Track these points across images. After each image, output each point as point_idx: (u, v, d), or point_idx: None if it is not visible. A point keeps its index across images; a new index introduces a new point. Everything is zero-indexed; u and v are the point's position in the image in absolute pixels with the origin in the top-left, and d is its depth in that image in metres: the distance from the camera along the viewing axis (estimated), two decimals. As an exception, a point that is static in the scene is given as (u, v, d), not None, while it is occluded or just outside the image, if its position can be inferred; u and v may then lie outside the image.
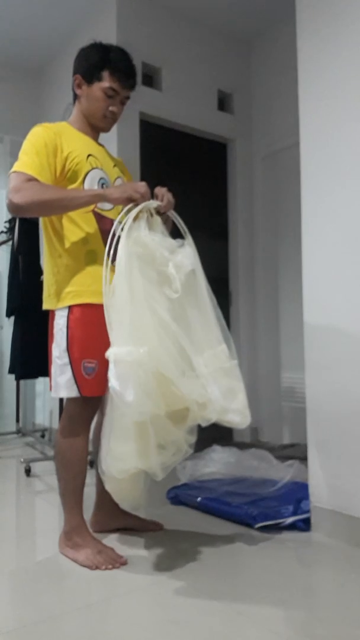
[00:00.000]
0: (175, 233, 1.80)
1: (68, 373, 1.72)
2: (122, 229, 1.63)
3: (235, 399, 1.60)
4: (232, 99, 3.79)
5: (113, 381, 1.48)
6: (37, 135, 1.74)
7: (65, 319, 1.74)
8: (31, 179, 1.64)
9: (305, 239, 2.11)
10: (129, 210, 1.67)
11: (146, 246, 1.62)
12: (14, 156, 4.01)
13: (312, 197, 2.09)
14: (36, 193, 1.62)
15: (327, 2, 2.04)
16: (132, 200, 1.68)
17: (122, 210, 1.70)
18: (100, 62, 1.81)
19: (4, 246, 3.84)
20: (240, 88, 3.82)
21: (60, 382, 1.74)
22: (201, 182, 4.87)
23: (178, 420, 1.56)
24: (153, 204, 1.72)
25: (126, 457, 1.54)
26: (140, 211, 1.67)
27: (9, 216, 3.87)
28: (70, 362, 1.72)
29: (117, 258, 1.59)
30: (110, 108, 1.85)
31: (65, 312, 1.75)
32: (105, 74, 1.81)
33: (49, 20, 3.57)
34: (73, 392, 1.73)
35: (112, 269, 1.61)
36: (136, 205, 1.68)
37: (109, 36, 3.23)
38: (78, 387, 1.71)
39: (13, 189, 1.62)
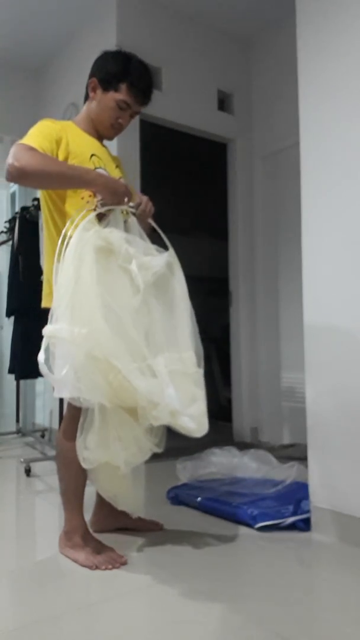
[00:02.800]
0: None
1: None
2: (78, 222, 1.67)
3: (193, 405, 1.59)
4: (232, 99, 3.79)
5: (41, 355, 1.54)
6: (44, 125, 1.78)
7: None
8: (34, 149, 1.66)
9: (305, 239, 2.11)
10: (95, 208, 1.71)
11: (107, 240, 1.65)
12: (14, 156, 4.02)
13: (312, 197, 2.09)
14: (40, 161, 1.63)
15: (327, 2, 2.04)
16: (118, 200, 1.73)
17: (92, 206, 1.72)
18: (120, 73, 1.82)
19: (4, 246, 3.85)
20: (240, 88, 3.82)
21: None
22: (201, 182, 4.89)
23: (137, 417, 1.61)
24: (130, 204, 1.77)
25: (93, 446, 1.60)
26: (111, 210, 1.73)
27: (9, 216, 3.88)
28: None
29: (69, 244, 1.62)
30: (120, 120, 1.88)
31: None
32: (123, 87, 1.83)
33: (49, 21, 3.57)
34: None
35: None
36: (106, 204, 1.73)
37: (109, 36, 3.23)
38: None
39: (15, 155, 1.61)
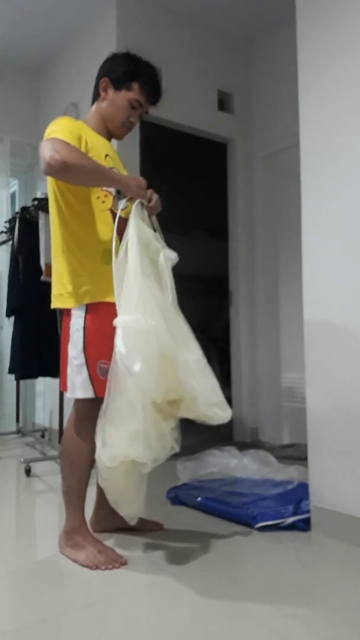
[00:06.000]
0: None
1: (84, 374, 1.73)
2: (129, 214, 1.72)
3: (215, 393, 1.62)
4: (232, 99, 3.79)
5: (121, 347, 1.51)
6: (65, 122, 1.79)
7: (83, 319, 1.74)
8: (69, 143, 1.66)
9: (305, 239, 2.11)
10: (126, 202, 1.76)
11: (145, 234, 1.70)
12: (14, 156, 4.02)
13: (312, 197, 2.09)
14: (79, 156, 1.65)
15: (327, 3, 2.04)
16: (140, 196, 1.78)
17: (123, 201, 1.76)
18: (132, 73, 1.87)
19: (4, 246, 3.84)
20: (240, 88, 3.82)
21: (76, 383, 1.75)
22: (201, 182, 4.89)
23: (166, 413, 1.59)
24: (143, 200, 1.81)
25: (117, 442, 1.56)
26: (131, 204, 1.76)
27: (9, 216, 3.87)
28: (87, 363, 1.72)
29: (129, 236, 1.66)
30: (131, 119, 1.90)
31: (82, 312, 1.75)
32: (135, 86, 1.87)
33: (48, 20, 3.57)
34: (89, 393, 1.73)
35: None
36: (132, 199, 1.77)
37: (109, 36, 3.23)
38: (94, 387, 1.72)
39: (55, 148, 1.60)
